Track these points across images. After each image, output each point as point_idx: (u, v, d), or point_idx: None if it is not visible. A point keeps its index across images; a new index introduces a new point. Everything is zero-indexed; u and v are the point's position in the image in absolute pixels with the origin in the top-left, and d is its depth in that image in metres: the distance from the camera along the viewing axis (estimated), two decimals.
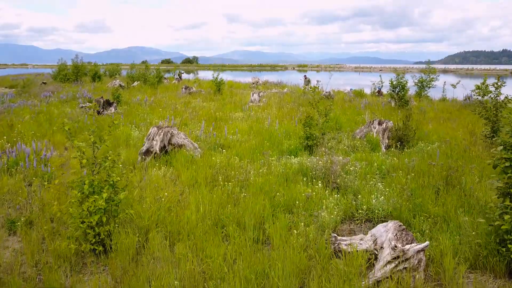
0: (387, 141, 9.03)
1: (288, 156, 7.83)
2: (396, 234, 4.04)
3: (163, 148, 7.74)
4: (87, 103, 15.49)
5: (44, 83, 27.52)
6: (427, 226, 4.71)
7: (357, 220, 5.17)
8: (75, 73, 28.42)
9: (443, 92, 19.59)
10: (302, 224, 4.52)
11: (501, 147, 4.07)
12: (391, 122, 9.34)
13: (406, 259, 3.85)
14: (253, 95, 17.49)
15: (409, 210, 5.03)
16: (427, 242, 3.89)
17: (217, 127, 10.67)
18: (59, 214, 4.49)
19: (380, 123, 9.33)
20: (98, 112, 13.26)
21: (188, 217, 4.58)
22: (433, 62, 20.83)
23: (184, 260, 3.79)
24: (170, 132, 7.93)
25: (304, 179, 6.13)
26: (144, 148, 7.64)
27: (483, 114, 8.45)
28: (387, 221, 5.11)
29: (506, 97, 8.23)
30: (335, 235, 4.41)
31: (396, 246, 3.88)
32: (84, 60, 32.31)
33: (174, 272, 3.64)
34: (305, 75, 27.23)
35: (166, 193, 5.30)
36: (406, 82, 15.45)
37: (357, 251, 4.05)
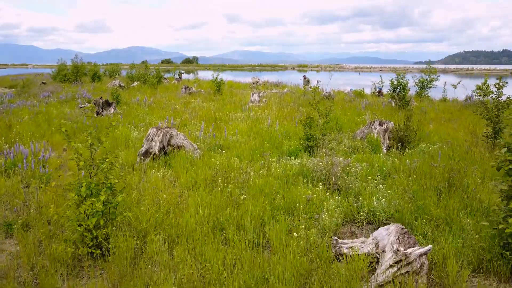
0: (388, 142, 8.96)
1: (288, 157, 7.76)
2: (398, 238, 3.97)
3: (162, 149, 7.67)
4: (86, 103, 15.43)
5: (44, 83, 27.46)
6: (429, 228, 4.65)
7: (358, 222, 5.10)
8: (74, 73, 28.36)
9: (444, 92, 19.53)
10: (303, 227, 4.45)
11: (505, 149, 4.01)
12: (392, 122, 9.27)
13: (409, 263, 3.79)
14: (253, 95, 17.43)
15: (411, 213, 4.96)
16: (429, 246, 3.82)
17: (216, 127, 10.61)
18: (56, 216, 4.43)
19: (381, 124, 9.27)
20: (97, 113, 13.19)
21: (187, 220, 4.52)
22: (433, 62, 20.76)
23: (183, 264, 3.73)
24: (170, 133, 7.86)
25: (305, 180, 6.07)
26: (143, 149, 7.57)
27: (484, 115, 8.38)
28: (388, 224, 5.06)
29: (508, 98, 8.17)
30: (336, 238, 4.34)
31: (398, 250, 3.82)
32: (84, 60, 32.27)
33: (172, 277, 3.58)
34: (304, 75, 27.18)
35: (165, 195, 5.24)
36: (407, 83, 15.39)
37: (358, 254, 3.98)
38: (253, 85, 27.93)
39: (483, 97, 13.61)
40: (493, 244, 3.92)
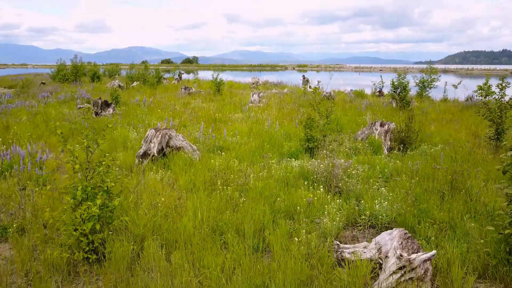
0: (389, 143, 8.87)
1: (288, 158, 7.66)
2: (401, 243, 3.87)
3: (161, 151, 7.57)
4: (86, 104, 15.34)
5: (43, 83, 27.37)
6: (433, 232, 4.55)
7: (360, 226, 5.01)
8: (74, 73, 28.26)
9: (445, 92, 19.43)
10: (304, 231, 4.36)
11: (511, 152, 3.91)
12: (393, 123, 9.18)
13: (412, 269, 3.69)
14: (253, 96, 17.33)
15: (413, 216, 4.86)
16: (434, 251, 3.72)
17: (216, 128, 10.51)
18: (52, 220, 4.33)
19: (382, 125, 9.17)
20: (96, 113, 13.09)
21: (185, 224, 4.42)
22: (433, 62, 20.66)
23: (181, 270, 3.63)
24: (168, 134, 7.76)
25: (305, 183, 5.97)
26: (141, 151, 7.48)
27: (487, 116, 8.28)
28: (391, 228, 4.97)
29: (511, 99, 8.08)
30: (338, 242, 4.25)
31: (401, 256, 3.72)
32: (84, 60, 32.18)
33: (169, 284, 3.48)
34: (303, 75, 27.11)
35: (163, 198, 5.14)
36: (408, 83, 15.29)
37: (360, 260, 3.89)
38: (253, 85, 27.83)
39: (485, 97, 13.52)
40: (499, 250, 3.82)
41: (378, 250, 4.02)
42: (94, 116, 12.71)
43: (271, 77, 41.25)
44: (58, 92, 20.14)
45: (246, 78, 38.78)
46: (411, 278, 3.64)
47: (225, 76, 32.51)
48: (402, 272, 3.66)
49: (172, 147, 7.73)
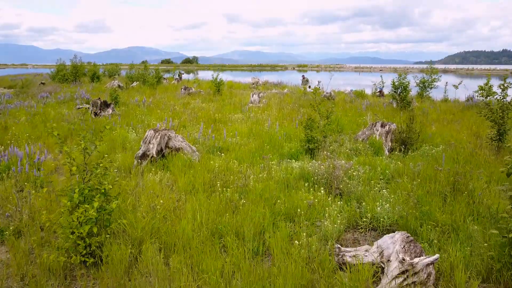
0: (390, 144, 8.80)
1: (289, 160, 7.60)
2: (404, 246, 3.81)
3: (160, 152, 7.51)
4: (85, 104, 15.28)
5: (43, 83, 27.30)
6: (435, 235, 4.49)
7: (361, 228, 4.94)
8: (73, 73, 28.19)
9: (445, 92, 19.36)
10: (304, 234, 4.29)
11: None
12: (394, 124, 9.11)
13: (415, 273, 3.63)
14: (253, 96, 17.26)
15: (415, 219, 4.79)
16: (437, 255, 3.66)
17: (216, 129, 10.45)
18: (49, 223, 4.26)
19: (383, 126, 9.11)
20: (95, 114, 13.02)
21: (184, 227, 4.35)
22: (433, 62, 20.59)
23: (179, 275, 3.56)
24: (168, 135, 7.70)
25: (306, 184, 5.91)
26: (140, 152, 7.41)
27: (489, 117, 8.21)
28: (392, 230, 4.90)
29: None
30: (339, 246, 4.18)
31: (404, 260, 3.65)
32: (84, 60, 32.11)
33: None
34: (303, 75, 27.07)
35: (161, 200, 5.07)
36: (408, 83, 15.23)
37: (362, 264, 3.83)
38: (253, 86, 27.77)
39: (486, 97, 13.44)
40: (503, 253, 3.76)
41: (380, 254, 3.95)
42: (93, 116, 12.64)
43: (271, 77, 41.19)
44: (58, 93, 20.08)
45: (246, 78, 38.71)
46: (413, 283, 3.58)
47: (225, 76, 32.44)
48: (405, 276, 3.60)
49: (171, 148, 7.66)
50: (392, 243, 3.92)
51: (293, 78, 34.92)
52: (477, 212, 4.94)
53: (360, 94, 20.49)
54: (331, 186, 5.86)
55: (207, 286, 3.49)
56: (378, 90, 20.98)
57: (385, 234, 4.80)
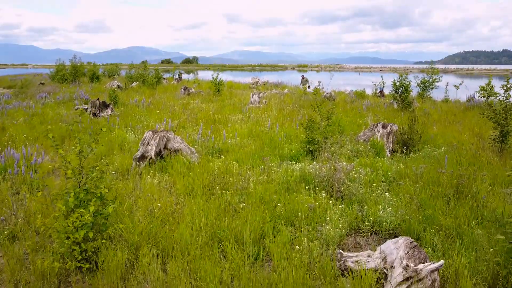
0: (391, 145, 8.70)
1: (289, 161, 7.50)
2: (407, 252, 3.71)
3: (158, 153, 7.41)
4: (84, 105, 15.17)
5: (42, 83, 27.21)
6: (439, 240, 4.39)
7: (363, 232, 4.84)
8: (73, 73, 28.09)
9: (446, 93, 19.25)
10: (305, 239, 4.19)
11: None
12: (395, 125, 9.01)
13: (419, 280, 3.53)
14: (252, 96, 17.16)
15: (419, 222, 4.69)
16: (441, 261, 3.56)
17: (215, 130, 10.35)
18: (43, 228, 4.16)
19: (384, 127, 9.00)
20: (94, 114, 12.93)
21: (182, 231, 4.25)
22: (434, 62, 20.47)
23: (177, 282, 3.46)
24: (166, 136, 7.60)
25: (307, 187, 5.80)
26: (138, 153, 7.31)
27: (491, 117, 8.11)
28: (395, 234, 4.81)
29: None
30: (341, 251, 4.07)
31: (408, 266, 3.55)
32: (84, 60, 32.04)
33: None
34: (302, 75, 27.01)
35: (159, 204, 4.97)
36: (409, 83, 15.13)
37: (365, 270, 3.73)
38: (253, 86, 27.67)
39: (487, 98, 13.34)
40: (510, 260, 3.65)
41: (383, 260, 3.85)
42: (91, 117, 12.53)
43: (271, 77, 41.09)
44: (57, 93, 19.98)
45: (246, 78, 38.61)
46: None
47: (225, 76, 32.34)
48: (409, 283, 3.50)
49: (170, 150, 7.56)
50: (395, 249, 3.82)
51: (293, 78, 34.82)
52: (481, 216, 4.84)
53: (360, 95, 20.38)
54: (332, 189, 5.76)
55: None
56: (379, 90, 20.88)
57: (387, 238, 4.71)
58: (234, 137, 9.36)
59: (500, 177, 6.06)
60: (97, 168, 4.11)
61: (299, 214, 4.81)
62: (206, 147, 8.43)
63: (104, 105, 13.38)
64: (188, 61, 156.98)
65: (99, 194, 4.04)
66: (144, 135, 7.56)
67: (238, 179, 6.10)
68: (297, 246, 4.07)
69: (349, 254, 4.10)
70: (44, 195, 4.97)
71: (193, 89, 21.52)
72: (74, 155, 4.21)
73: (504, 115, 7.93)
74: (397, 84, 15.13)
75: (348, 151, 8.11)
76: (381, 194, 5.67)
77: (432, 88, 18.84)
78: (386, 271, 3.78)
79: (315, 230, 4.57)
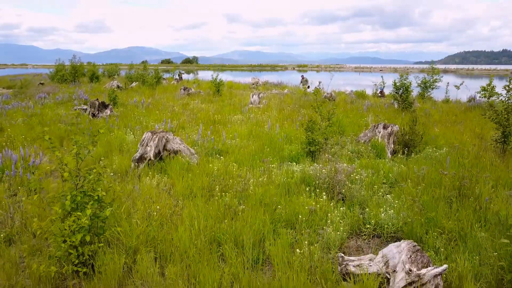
0: (392, 146, 8.63)
1: (289, 162, 7.43)
2: (410, 256, 3.64)
3: (157, 154, 7.34)
4: (83, 105, 15.10)
5: (42, 83, 27.13)
6: (442, 243, 4.32)
7: (365, 235, 4.77)
8: (72, 73, 28.00)
9: (446, 93, 19.18)
10: (306, 242, 4.12)
11: None
12: (397, 126, 8.94)
13: (422, 284, 3.46)
14: (252, 97, 17.09)
15: (421, 225, 4.62)
16: (445, 266, 3.49)
17: (215, 130, 10.28)
18: (40, 231, 4.09)
19: (385, 127, 8.94)
20: (93, 115, 12.86)
21: (181, 235, 4.18)
22: (434, 62, 20.40)
23: (175, 287, 3.40)
24: (165, 137, 7.53)
25: (307, 189, 5.73)
26: (137, 155, 7.24)
27: (493, 118, 8.05)
28: (397, 237, 4.74)
29: None
30: (342, 255, 4.01)
31: (411, 270, 3.49)
32: (84, 60, 31.96)
33: None
34: (302, 75, 26.96)
35: (158, 206, 4.90)
36: (410, 84, 15.06)
37: (367, 274, 3.67)
38: (253, 86, 27.60)
39: (488, 98, 13.26)
40: None
41: (385, 264, 3.78)
42: (90, 117, 12.47)
43: (271, 77, 41.00)
44: (56, 93, 19.90)
45: (246, 78, 38.53)
46: None
47: (225, 76, 32.26)
48: None
49: (169, 151, 7.50)
50: (398, 253, 3.76)
51: (293, 78, 34.75)
52: (484, 219, 4.77)
53: (361, 95, 20.30)
54: (333, 191, 5.69)
55: None
56: (379, 90, 20.81)
57: (389, 241, 4.65)
58: (234, 138, 9.30)
59: (503, 179, 6.00)
60: (94, 170, 4.05)
61: (300, 216, 4.75)
62: (206, 148, 8.36)
63: (103, 106, 13.31)
64: (188, 61, 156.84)
65: (96, 197, 3.97)
66: (143, 136, 7.49)
67: (238, 180, 6.03)
68: (297, 250, 4.01)
69: (351, 258, 4.03)
70: (40, 198, 4.90)
71: (193, 89, 21.44)
72: (71, 157, 4.14)
73: (506, 116, 7.87)
74: (397, 84, 15.06)
75: (349, 152, 8.05)
76: (383, 196, 5.60)
77: (432, 88, 18.79)
78: (388, 276, 3.72)
79: (316, 233, 4.51)
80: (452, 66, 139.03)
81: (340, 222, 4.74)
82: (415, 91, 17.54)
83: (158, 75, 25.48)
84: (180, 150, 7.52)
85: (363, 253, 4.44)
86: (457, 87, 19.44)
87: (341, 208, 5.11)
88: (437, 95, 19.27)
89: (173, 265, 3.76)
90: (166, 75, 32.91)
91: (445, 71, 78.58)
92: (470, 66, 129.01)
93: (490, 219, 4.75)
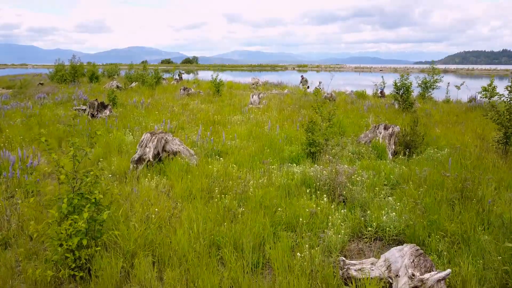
0: (393, 147, 8.57)
1: (290, 164, 7.36)
2: (413, 261, 3.58)
3: (156, 156, 7.27)
4: (82, 105, 15.03)
5: (41, 84, 27.06)
6: (445, 246, 4.26)
7: (366, 238, 4.71)
8: (72, 73, 27.93)
9: (447, 93, 19.11)
10: (307, 245, 4.06)
11: None
12: (397, 127, 8.88)
13: None
14: (252, 97, 17.02)
15: (423, 228, 4.56)
16: (448, 270, 3.43)
17: (215, 131, 10.21)
18: (36, 234, 4.03)
19: (386, 128, 8.87)
20: (92, 115, 12.79)
21: (180, 238, 4.11)
22: (434, 63, 20.35)
23: None
24: (164, 138, 7.47)
25: (308, 190, 5.67)
26: (136, 156, 7.17)
27: (495, 119, 7.98)
28: (399, 240, 4.68)
29: None
30: (343, 258, 3.94)
31: (414, 275, 3.42)
32: (84, 60, 31.89)
33: None
34: (302, 75, 26.91)
35: (156, 209, 4.83)
36: (411, 84, 14.99)
37: (368, 278, 3.60)
38: (253, 86, 27.53)
39: (489, 99, 13.20)
40: None
41: (387, 268, 3.72)
42: (89, 118, 12.40)
43: (271, 77, 40.94)
44: (55, 93, 19.83)
45: (246, 78, 38.46)
46: None
47: (225, 76, 32.21)
48: None
49: (168, 152, 7.43)
50: (400, 257, 3.69)
51: (293, 78, 34.69)
52: (487, 221, 4.71)
53: (361, 95, 20.23)
54: (334, 193, 5.62)
55: None
56: (379, 90, 20.75)
57: (391, 244, 4.58)
58: (233, 139, 9.23)
59: (506, 181, 5.93)
60: (91, 173, 3.98)
61: (300, 219, 4.68)
62: (205, 149, 8.30)
63: (103, 106, 13.24)
64: (188, 61, 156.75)
65: (93, 200, 3.90)
66: (142, 137, 7.42)
67: (238, 182, 5.96)
68: (298, 254, 3.94)
69: (352, 262, 3.96)
70: (37, 201, 4.83)
71: (192, 90, 21.38)
72: (67, 160, 4.07)
73: (508, 117, 7.80)
74: (398, 84, 15.00)
75: (350, 153, 7.98)
76: (384, 198, 5.53)
77: (433, 89, 18.72)
78: (390, 280, 3.65)
79: (316, 236, 4.44)
80: (452, 66, 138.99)
81: (341, 225, 4.68)
82: (415, 91, 17.48)
83: (157, 75, 25.40)
84: (179, 151, 7.45)
85: (365, 257, 4.37)
86: (458, 87, 19.37)
87: (342, 211, 5.05)
88: (437, 95, 19.20)
89: (171, 270, 3.69)
90: (166, 75, 32.84)
91: (445, 71, 78.45)
92: (470, 66, 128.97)
93: (494, 221, 4.68)
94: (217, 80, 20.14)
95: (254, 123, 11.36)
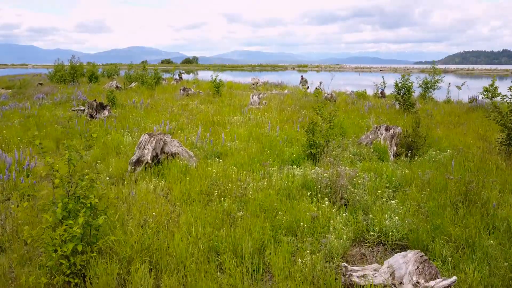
0: (395, 148, 8.46)
1: (290, 166, 7.26)
2: (417, 267, 3.47)
3: (155, 157, 7.17)
4: (81, 106, 14.93)
5: (41, 84, 26.96)
6: (449, 251, 4.15)
7: (369, 243, 4.60)
8: (71, 74, 27.82)
9: (448, 93, 19.00)
10: (308, 251, 3.95)
11: None
12: (399, 128, 8.77)
13: None
14: (252, 97, 16.92)
15: (427, 233, 4.45)
16: (454, 278, 3.33)
17: (214, 132, 10.11)
18: (30, 240, 3.93)
19: (387, 129, 8.77)
20: (91, 116, 12.69)
21: (178, 243, 4.01)
22: (435, 63, 20.25)
23: None
24: (163, 139, 7.36)
25: (309, 193, 5.56)
26: (134, 158, 7.07)
27: (498, 120, 7.88)
28: (402, 245, 4.58)
29: None
30: (346, 264, 3.84)
31: (418, 283, 3.33)
32: (84, 61, 31.79)
33: None
34: (302, 75, 26.82)
35: (154, 213, 4.73)
36: (412, 84, 14.89)
37: (372, 285, 3.50)
38: (253, 86, 27.43)
39: (491, 99, 13.09)
40: None
41: (391, 275, 3.61)
42: (88, 119, 12.30)
43: (271, 77, 40.83)
44: (54, 94, 19.73)
45: (246, 78, 38.37)
46: None
47: (225, 77, 32.10)
48: None
49: (167, 154, 7.33)
50: (404, 263, 3.59)
51: (293, 79, 34.58)
52: (492, 225, 4.61)
53: (361, 95, 20.13)
54: (335, 196, 5.52)
55: None
56: (380, 91, 20.65)
57: (394, 249, 4.48)
58: (233, 140, 9.13)
59: (510, 183, 5.83)
60: (87, 176, 3.88)
61: (301, 223, 4.58)
62: (205, 150, 8.19)
63: (102, 107, 13.14)
64: (188, 61, 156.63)
65: (89, 204, 3.80)
66: (141, 139, 7.32)
67: (237, 185, 5.86)
68: (299, 259, 3.84)
69: (355, 268, 3.86)
70: (31, 205, 4.73)
71: (192, 90, 21.28)
72: (63, 163, 3.97)
73: (511, 118, 7.69)
74: (399, 85, 14.89)
75: (351, 155, 7.88)
76: (387, 201, 5.43)
77: (434, 89, 18.61)
78: (394, 287, 3.55)
79: (318, 241, 4.33)
80: (452, 66, 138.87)
81: (343, 229, 4.58)
82: (416, 92, 17.38)
83: (157, 75, 25.30)
84: (178, 153, 7.35)
85: (367, 262, 4.27)
86: (459, 88, 19.25)
87: (344, 214, 4.94)
88: (438, 95, 19.10)
89: (168, 277, 3.59)
90: (165, 75, 32.73)
91: (445, 71, 78.29)
92: (470, 66, 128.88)
93: (499, 226, 4.58)
94: (217, 80, 20.04)
95: (254, 124, 11.25)
